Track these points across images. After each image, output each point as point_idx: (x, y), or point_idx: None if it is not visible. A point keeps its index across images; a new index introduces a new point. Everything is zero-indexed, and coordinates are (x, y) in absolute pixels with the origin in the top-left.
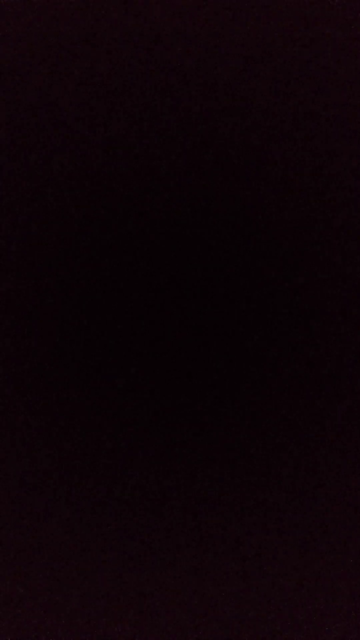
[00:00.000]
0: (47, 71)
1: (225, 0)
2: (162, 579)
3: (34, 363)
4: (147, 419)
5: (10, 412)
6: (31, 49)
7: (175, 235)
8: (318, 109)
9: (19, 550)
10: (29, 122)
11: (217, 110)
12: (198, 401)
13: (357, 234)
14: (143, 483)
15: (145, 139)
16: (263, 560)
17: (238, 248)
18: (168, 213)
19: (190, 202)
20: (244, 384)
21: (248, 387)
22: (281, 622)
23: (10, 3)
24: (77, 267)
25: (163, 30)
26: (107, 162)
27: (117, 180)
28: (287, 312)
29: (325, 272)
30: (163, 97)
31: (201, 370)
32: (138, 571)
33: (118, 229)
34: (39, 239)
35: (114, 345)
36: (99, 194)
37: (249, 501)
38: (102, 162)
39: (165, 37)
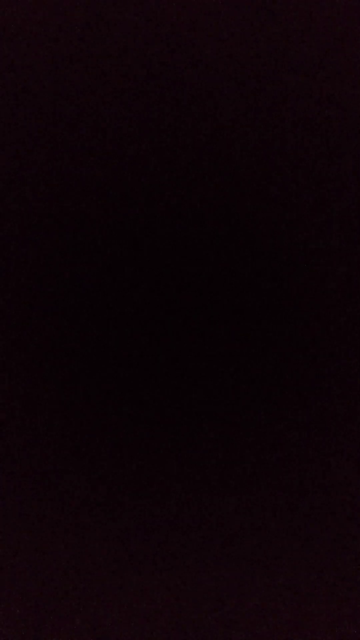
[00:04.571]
0: (47, 68)
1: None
2: (162, 578)
3: (34, 362)
4: (146, 418)
5: (9, 411)
6: (31, 46)
7: (175, 235)
8: (319, 107)
9: (18, 550)
10: (29, 122)
11: (217, 109)
12: (197, 399)
13: (357, 234)
14: (143, 482)
15: (145, 138)
16: (263, 560)
17: (238, 248)
18: (168, 212)
19: (190, 202)
20: (243, 384)
21: (247, 387)
22: (281, 622)
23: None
24: (77, 268)
25: (164, 27)
26: (106, 163)
27: (117, 181)
28: (286, 313)
29: (326, 270)
30: (163, 97)
31: (200, 371)
32: (138, 571)
33: (118, 229)
34: (39, 239)
35: (113, 343)
36: (98, 196)
37: (248, 500)
38: (102, 164)
39: (165, 35)
